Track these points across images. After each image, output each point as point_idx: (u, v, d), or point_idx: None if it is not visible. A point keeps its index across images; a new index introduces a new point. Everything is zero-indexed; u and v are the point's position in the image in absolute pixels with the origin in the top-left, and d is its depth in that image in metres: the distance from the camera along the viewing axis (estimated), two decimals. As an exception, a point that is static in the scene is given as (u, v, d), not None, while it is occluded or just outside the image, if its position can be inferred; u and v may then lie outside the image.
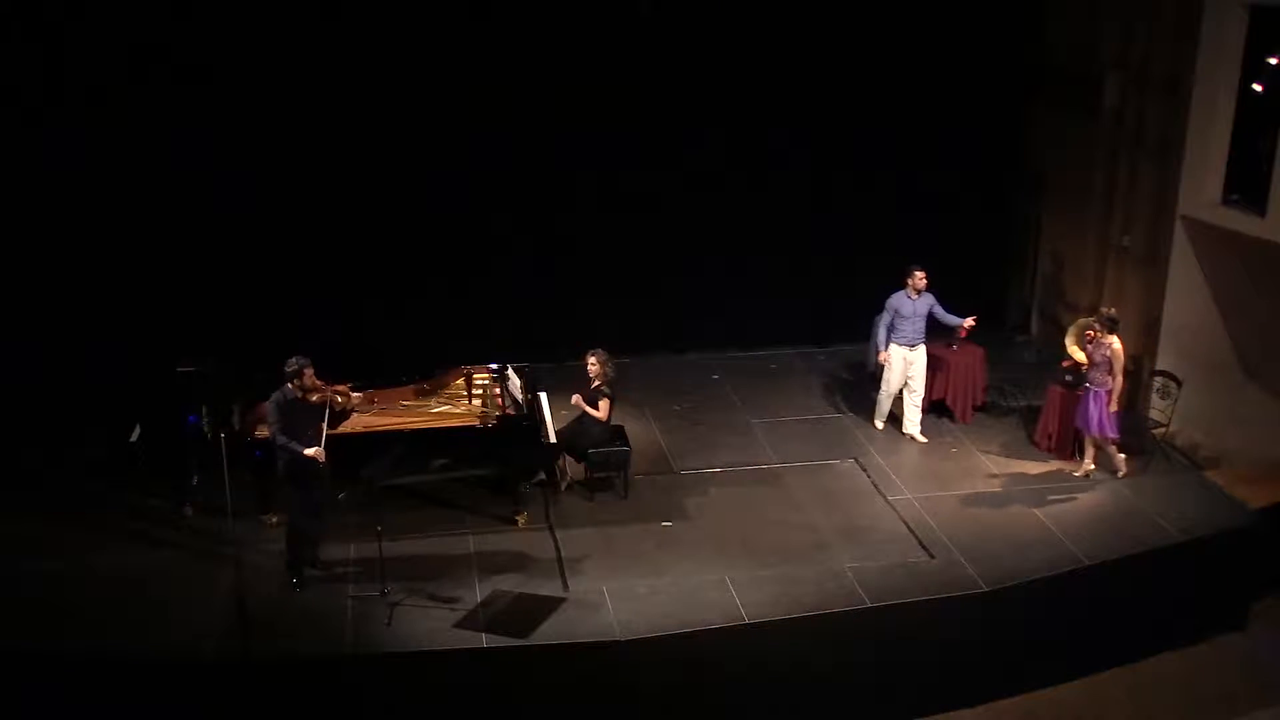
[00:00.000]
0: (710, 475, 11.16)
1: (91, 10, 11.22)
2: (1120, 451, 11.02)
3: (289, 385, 9.05)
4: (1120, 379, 10.70)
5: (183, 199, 11.86)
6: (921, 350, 11.50)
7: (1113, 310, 10.86)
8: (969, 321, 11.47)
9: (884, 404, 11.84)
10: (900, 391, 11.71)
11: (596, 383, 10.65)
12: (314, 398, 9.15)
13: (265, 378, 9.27)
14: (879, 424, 11.92)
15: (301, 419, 9.09)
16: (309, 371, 9.08)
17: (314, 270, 12.31)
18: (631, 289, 13.18)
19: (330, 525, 9.67)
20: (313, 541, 9.51)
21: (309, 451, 9.02)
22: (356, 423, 10.13)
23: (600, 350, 10.66)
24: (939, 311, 11.42)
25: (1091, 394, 10.74)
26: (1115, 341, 10.64)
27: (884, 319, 11.51)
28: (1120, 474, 11.00)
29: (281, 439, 8.99)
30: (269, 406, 9.05)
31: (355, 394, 9.85)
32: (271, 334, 11.03)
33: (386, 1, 11.85)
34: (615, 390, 10.81)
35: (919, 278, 11.31)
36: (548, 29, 12.21)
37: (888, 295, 11.48)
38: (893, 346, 11.49)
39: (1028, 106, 13.63)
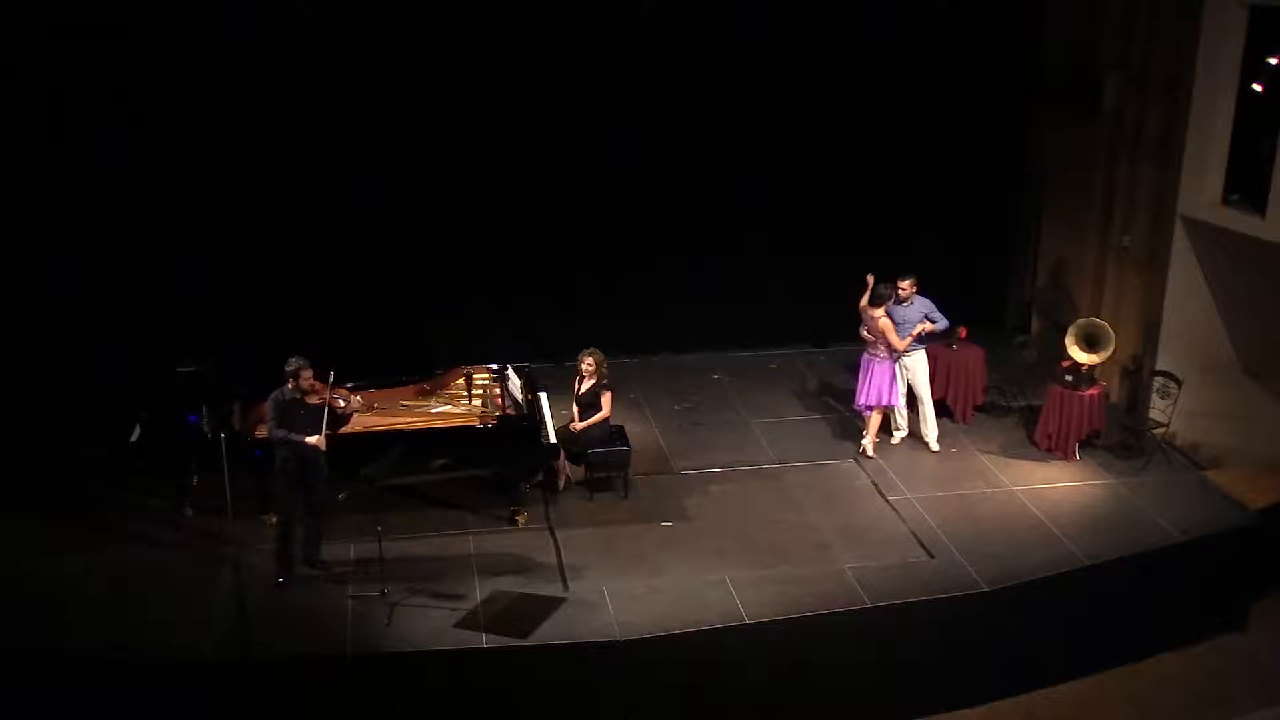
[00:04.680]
0: (710, 475, 11.16)
1: (92, 12, 11.22)
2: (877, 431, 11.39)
3: (288, 385, 9.05)
4: (894, 340, 10.97)
5: (183, 198, 11.85)
6: (916, 357, 11.32)
7: (885, 286, 11.06)
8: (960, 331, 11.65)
9: (896, 417, 11.64)
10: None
11: (590, 382, 10.66)
12: (313, 399, 9.15)
13: (265, 378, 9.26)
14: (895, 438, 11.69)
15: (299, 420, 9.09)
16: (307, 373, 9.08)
17: (314, 270, 12.31)
18: (631, 289, 13.19)
19: (330, 525, 9.67)
20: (313, 541, 9.52)
21: (310, 439, 9.01)
22: (356, 423, 10.13)
23: (595, 350, 10.68)
24: (933, 317, 11.26)
25: (875, 364, 11.01)
26: (880, 316, 11.00)
27: None
28: (864, 450, 11.38)
29: (280, 432, 9.01)
30: (268, 405, 9.06)
31: (356, 397, 9.83)
32: (271, 334, 11.03)
33: (387, 1, 11.86)
34: (614, 385, 10.83)
35: (900, 287, 11.18)
36: (549, 27, 12.20)
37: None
38: None
39: (1028, 106, 13.62)
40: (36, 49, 11.21)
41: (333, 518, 9.62)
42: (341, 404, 9.47)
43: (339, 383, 9.46)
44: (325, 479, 9.34)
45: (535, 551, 9.86)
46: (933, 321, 11.27)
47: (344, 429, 9.96)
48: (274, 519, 9.83)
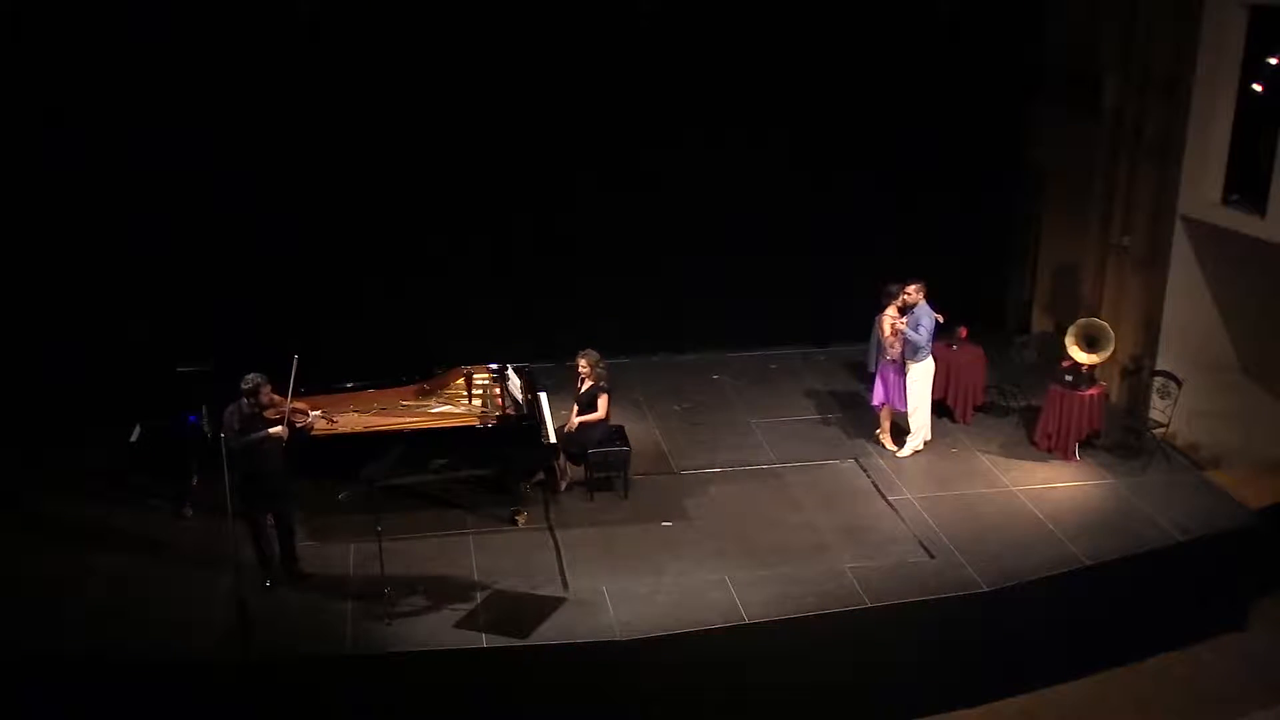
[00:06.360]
0: (710, 475, 11.16)
1: (90, 12, 11.22)
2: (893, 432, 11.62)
3: (244, 401, 8.98)
4: (895, 341, 11.08)
5: (183, 198, 11.85)
6: (912, 365, 11.16)
7: (894, 285, 11.10)
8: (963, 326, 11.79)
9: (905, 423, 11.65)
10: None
11: (589, 383, 10.67)
12: (272, 414, 9.08)
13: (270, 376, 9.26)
14: (899, 445, 11.63)
15: (256, 433, 9.04)
16: (266, 389, 9.02)
17: (313, 270, 12.31)
18: (632, 289, 13.19)
19: (330, 525, 9.67)
20: (289, 555, 9.47)
21: (273, 431, 8.96)
22: (357, 423, 10.14)
23: (590, 351, 10.69)
24: (913, 324, 11.09)
25: (885, 366, 11.23)
26: (886, 314, 11.17)
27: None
28: (877, 438, 11.64)
29: (242, 439, 8.86)
30: (227, 417, 8.94)
31: (316, 411, 9.76)
32: (271, 334, 11.02)
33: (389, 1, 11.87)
34: (612, 387, 10.80)
35: (906, 291, 11.02)
36: (549, 26, 12.21)
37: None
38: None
39: (1028, 106, 13.63)
40: (32, 48, 11.21)
41: (333, 518, 9.63)
42: (300, 417, 9.39)
43: (338, 383, 9.44)
44: (293, 495, 9.35)
45: (535, 551, 9.86)
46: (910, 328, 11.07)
47: (344, 429, 9.97)
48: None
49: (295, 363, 9.12)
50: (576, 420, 10.68)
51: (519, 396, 10.47)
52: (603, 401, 10.64)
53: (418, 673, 8.58)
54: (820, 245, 13.34)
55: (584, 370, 10.69)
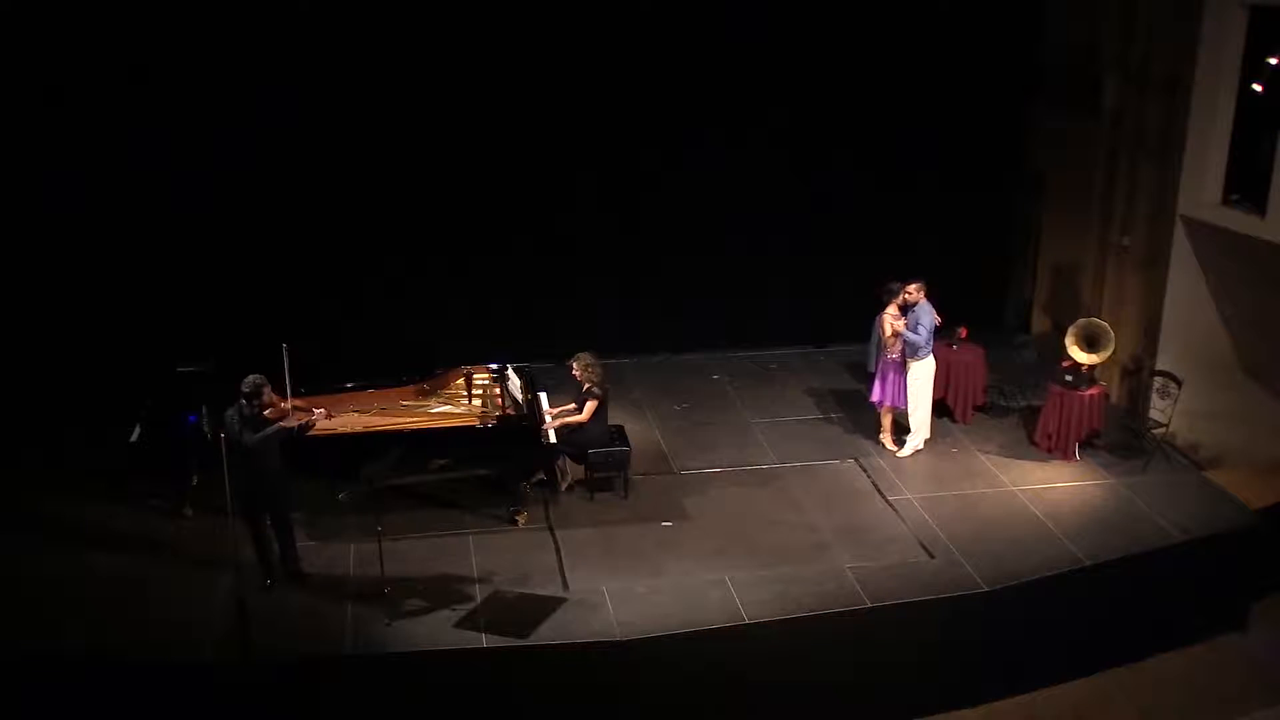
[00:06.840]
0: (710, 475, 11.16)
1: (87, 12, 11.21)
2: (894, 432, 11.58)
3: (243, 404, 8.93)
4: (894, 342, 11.11)
5: (183, 198, 11.84)
6: (913, 364, 11.19)
7: (895, 284, 11.14)
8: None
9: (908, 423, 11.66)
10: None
11: (586, 385, 10.66)
12: (271, 415, 9.07)
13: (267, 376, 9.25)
14: (902, 446, 11.62)
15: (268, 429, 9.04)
16: (267, 389, 8.99)
17: (314, 270, 12.31)
18: (631, 289, 13.19)
19: (330, 525, 9.66)
20: (289, 557, 9.45)
21: (284, 424, 8.98)
22: (357, 422, 10.14)
23: (583, 354, 10.69)
24: (911, 324, 11.12)
25: (886, 365, 11.23)
26: (887, 312, 11.20)
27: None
28: (881, 442, 11.57)
29: (255, 437, 8.86)
30: (226, 422, 8.89)
31: (320, 410, 9.76)
32: (271, 333, 11.00)
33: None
34: (608, 389, 10.76)
35: (906, 291, 11.04)
36: (550, 26, 12.21)
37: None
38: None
39: (1028, 106, 13.63)
40: (30, 42, 11.22)
41: (332, 518, 9.62)
42: (302, 415, 9.35)
43: (338, 381, 9.43)
44: (291, 495, 9.34)
45: (535, 551, 9.86)
46: (910, 328, 11.08)
47: (344, 429, 9.97)
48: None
49: (285, 352, 9.06)
50: (556, 418, 10.57)
51: (519, 396, 10.47)
52: (589, 406, 10.59)
53: (418, 673, 8.58)
54: (820, 245, 13.34)
55: (576, 373, 10.67)
